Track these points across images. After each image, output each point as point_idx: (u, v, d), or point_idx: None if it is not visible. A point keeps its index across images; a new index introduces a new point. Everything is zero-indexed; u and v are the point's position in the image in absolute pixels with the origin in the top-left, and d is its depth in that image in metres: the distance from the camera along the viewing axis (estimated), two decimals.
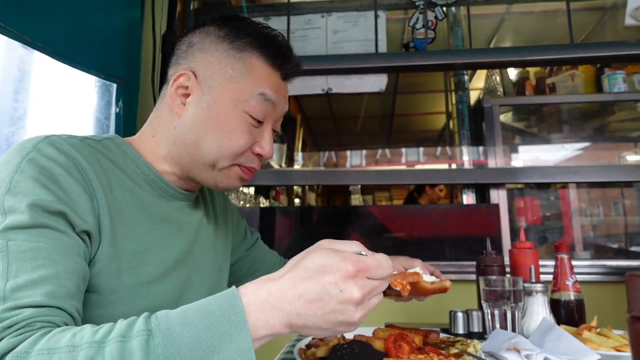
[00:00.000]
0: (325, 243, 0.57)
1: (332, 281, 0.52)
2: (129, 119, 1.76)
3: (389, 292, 0.67)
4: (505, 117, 2.35)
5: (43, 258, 0.56)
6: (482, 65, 2.20)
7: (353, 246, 0.56)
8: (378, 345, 0.84)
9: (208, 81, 0.79)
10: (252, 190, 2.92)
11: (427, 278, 0.84)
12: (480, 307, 1.12)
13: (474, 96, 2.80)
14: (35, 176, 0.61)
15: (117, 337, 0.48)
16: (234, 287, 0.54)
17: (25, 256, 0.55)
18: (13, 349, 0.48)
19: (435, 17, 1.89)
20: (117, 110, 1.71)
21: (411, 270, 0.83)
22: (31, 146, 0.65)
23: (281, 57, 0.83)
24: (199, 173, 0.82)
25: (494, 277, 1.11)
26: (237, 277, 1.13)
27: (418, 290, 0.81)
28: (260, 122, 0.81)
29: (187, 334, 0.48)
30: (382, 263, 0.55)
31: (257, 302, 0.52)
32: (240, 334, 0.49)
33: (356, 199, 3.99)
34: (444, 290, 0.84)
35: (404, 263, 1.03)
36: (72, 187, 0.64)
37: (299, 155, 4.11)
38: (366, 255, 0.56)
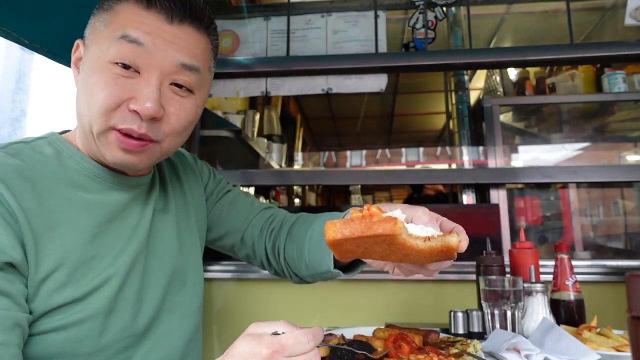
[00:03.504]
0: (250, 327, 0.59)
1: None
2: None
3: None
4: (505, 117, 2.35)
5: None
6: (482, 65, 2.20)
7: (275, 326, 0.58)
8: (378, 345, 0.84)
9: (87, 43, 0.74)
10: (252, 190, 2.92)
11: (417, 230, 0.54)
12: (480, 307, 1.12)
13: (474, 96, 2.80)
14: None
15: None
16: None
17: None
18: None
19: (435, 17, 1.89)
20: None
21: (388, 214, 0.52)
22: None
23: None
24: (92, 147, 0.74)
25: (494, 277, 1.11)
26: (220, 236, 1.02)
27: (400, 251, 0.53)
28: (135, 72, 0.70)
29: None
30: (299, 339, 0.56)
31: None
32: None
33: (356, 199, 3.99)
34: (448, 252, 0.54)
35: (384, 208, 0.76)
36: None
37: (299, 155, 4.11)
38: (285, 333, 0.57)
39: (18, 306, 0.61)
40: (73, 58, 0.76)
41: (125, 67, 0.69)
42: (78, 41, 0.76)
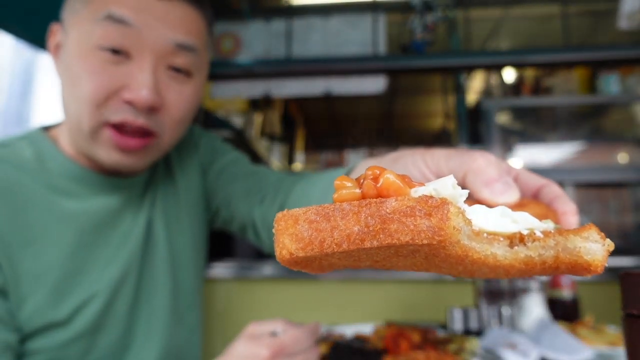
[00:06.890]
0: (249, 328, 0.59)
1: None
2: None
3: None
4: (502, 118, 2.37)
5: None
6: (479, 67, 2.22)
7: (274, 325, 0.58)
8: (377, 342, 0.86)
9: (65, 27, 0.64)
10: None
11: (489, 217, 0.27)
12: (478, 305, 1.14)
13: (471, 97, 2.83)
14: None
15: None
16: None
17: None
18: None
19: (434, 20, 1.91)
20: None
21: (425, 189, 0.25)
22: None
23: None
24: (82, 146, 0.65)
25: None
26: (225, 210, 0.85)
27: (454, 267, 0.28)
28: (125, 56, 0.61)
29: None
30: (298, 338, 0.57)
31: None
32: None
33: None
34: (571, 269, 0.28)
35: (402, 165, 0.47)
36: None
37: (299, 156, 4.13)
38: (284, 332, 0.57)
39: (6, 327, 0.59)
40: (50, 45, 0.67)
41: (114, 51, 0.60)
42: (54, 25, 0.67)
